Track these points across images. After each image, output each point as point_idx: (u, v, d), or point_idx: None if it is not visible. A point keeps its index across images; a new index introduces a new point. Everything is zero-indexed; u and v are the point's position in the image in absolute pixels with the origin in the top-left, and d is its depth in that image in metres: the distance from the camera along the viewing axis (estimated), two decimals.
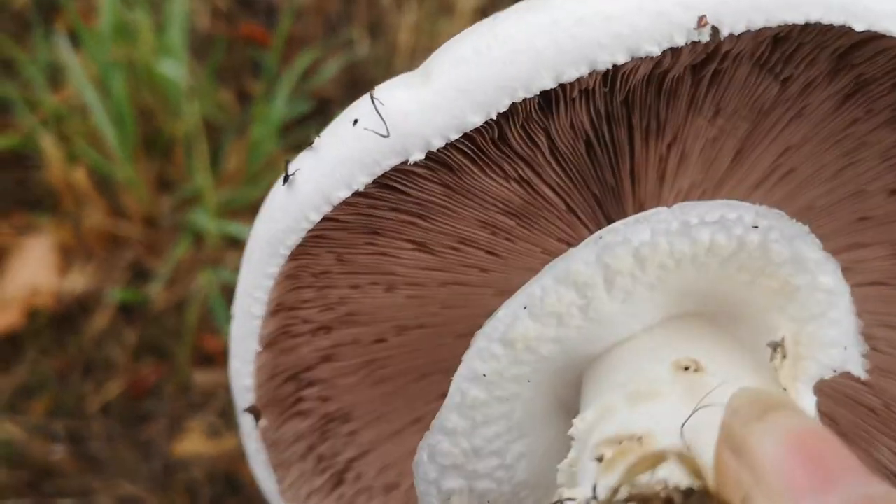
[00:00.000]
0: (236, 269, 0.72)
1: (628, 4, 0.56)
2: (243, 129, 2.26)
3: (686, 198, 0.74)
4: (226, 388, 1.99)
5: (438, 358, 0.80)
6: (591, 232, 0.75)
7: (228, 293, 1.89)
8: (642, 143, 0.69)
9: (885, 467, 0.80)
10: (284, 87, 2.21)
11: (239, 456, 1.86)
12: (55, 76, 2.26)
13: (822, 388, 0.81)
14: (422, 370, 0.81)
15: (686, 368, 0.51)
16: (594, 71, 0.57)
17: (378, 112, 0.60)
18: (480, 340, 0.56)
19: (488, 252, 0.75)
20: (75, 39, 2.18)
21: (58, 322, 2.11)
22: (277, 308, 0.73)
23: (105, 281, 2.13)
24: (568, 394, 0.64)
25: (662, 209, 0.54)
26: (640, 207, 0.73)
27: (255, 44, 2.46)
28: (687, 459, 0.40)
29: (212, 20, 2.49)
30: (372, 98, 0.61)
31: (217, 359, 2.06)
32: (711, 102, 0.67)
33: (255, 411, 0.75)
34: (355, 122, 0.62)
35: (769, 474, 0.39)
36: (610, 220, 0.74)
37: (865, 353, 0.52)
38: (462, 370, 0.57)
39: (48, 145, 2.10)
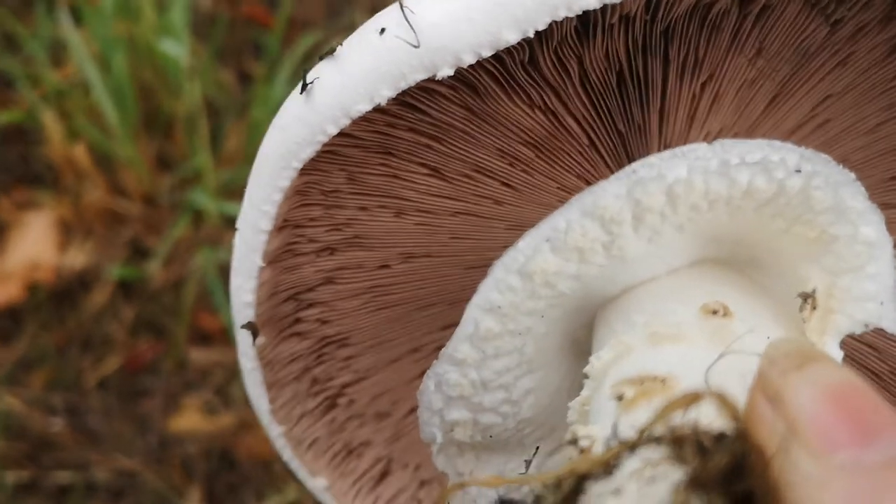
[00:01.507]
0: None
1: None
2: (243, 110, 2.23)
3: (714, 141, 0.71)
4: (223, 367, 2.01)
5: (444, 289, 0.78)
6: (612, 171, 0.72)
7: (226, 273, 1.89)
8: (676, 79, 0.66)
9: None
10: (286, 69, 2.18)
11: (235, 433, 1.88)
12: (57, 52, 2.23)
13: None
14: (425, 300, 0.79)
15: (714, 312, 0.49)
16: None
17: (408, 21, 0.56)
18: (498, 271, 0.54)
19: (504, 183, 0.72)
20: (77, 15, 2.15)
21: (57, 297, 2.12)
22: (284, 224, 0.70)
23: (104, 257, 2.13)
24: (581, 333, 0.62)
25: (701, 145, 0.51)
26: (666, 149, 0.70)
27: (257, 25, 2.41)
28: (726, 402, 0.38)
29: (214, 0, 2.43)
30: (402, 6, 0.57)
31: (214, 337, 2.06)
32: (755, 40, 0.64)
33: (253, 328, 0.73)
34: (382, 30, 0.58)
35: (807, 426, 0.38)
36: (631, 159, 0.71)
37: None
38: (477, 299, 0.54)
39: (49, 121, 2.08)
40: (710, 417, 0.38)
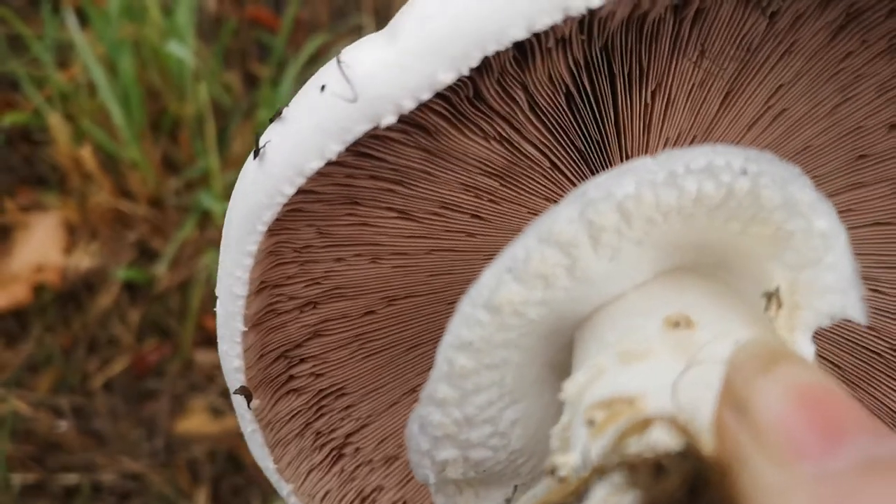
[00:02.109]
0: None
1: None
2: (250, 112, 2.24)
3: (674, 146, 0.71)
4: None
5: (430, 327, 0.79)
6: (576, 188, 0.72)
7: None
8: (625, 91, 0.66)
9: (889, 408, 0.78)
10: (292, 71, 2.19)
11: (240, 436, 1.87)
12: (63, 54, 2.24)
13: (825, 334, 0.79)
14: (414, 340, 0.79)
15: (677, 324, 0.49)
16: (568, 17, 0.54)
17: (345, 76, 0.57)
18: (465, 307, 0.54)
19: (473, 216, 0.73)
20: (83, 17, 2.16)
21: (63, 299, 2.12)
22: (261, 286, 0.71)
23: (110, 259, 2.14)
24: (560, 356, 0.62)
25: (647, 159, 0.51)
26: (628, 160, 0.71)
27: (263, 27, 2.44)
28: (676, 423, 0.38)
29: (219, 2, 2.46)
30: (338, 62, 0.58)
31: None
32: (696, 43, 0.64)
33: (246, 392, 0.74)
34: (322, 87, 0.59)
35: (771, 432, 0.37)
36: (595, 175, 0.71)
37: (864, 296, 0.50)
38: (448, 339, 0.55)
39: (55, 123, 2.10)
40: (665, 438, 0.38)
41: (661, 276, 0.57)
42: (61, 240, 2.16)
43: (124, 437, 2.00)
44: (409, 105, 0.57)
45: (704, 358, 0.46)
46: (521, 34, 0.54)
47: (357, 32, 2.34)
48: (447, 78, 0.56)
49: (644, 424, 0.38)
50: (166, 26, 2.12)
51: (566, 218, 0.52)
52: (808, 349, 0.49)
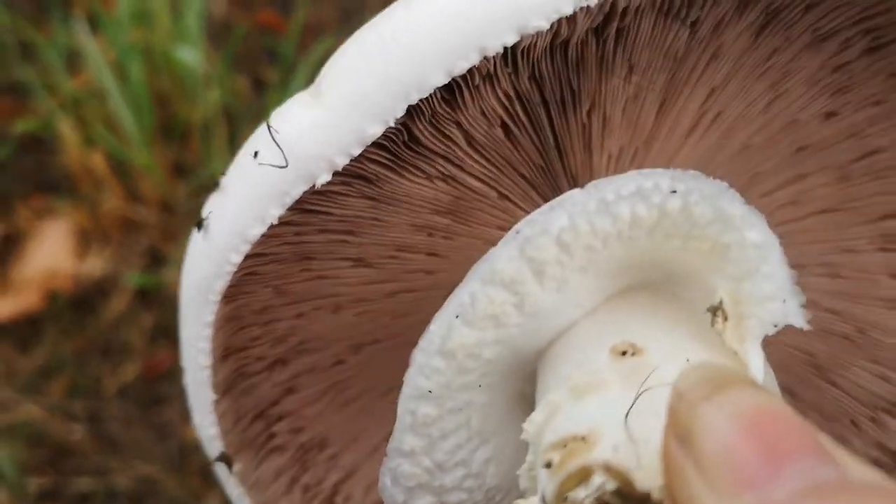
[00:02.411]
0: None
1: None
2: (259, 117, 2.23)
3: (618, 161, 0.71)
4: None
5: (402, 369, 0.78)
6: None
7: None
8: (560, 115, 0.67)
9: (864, 388, 0.78)
10: (301, 75, 2.19)
11: None
12: (73, 61, 2.24)
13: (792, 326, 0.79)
14: (387, 384, 0.79)
15: (623, 353, 0.49)
16: (486, 57, 0.55)
17: (275, 141, 0.57)
18: (419, 357, 0.54)
19: (429, 254, 0.73)
20: (94, 24, 2.16)
21: (76, 305, 2.13)
22: (226, 352, 0.71)
23: (122, 265, 2.15)
24: (528, 387, 0.62)
25: (576, 191, 0.52)
26: (574, 181, 0.71)
27: (271, 31, 2.43)
28: (613, 470, 0.38)
29: (228, 6, 2.46)
30: (268, 126, 0.59)
31: None
32: (622, 60, 0.65)
33: (226, 459, 0.74)
34: (255, 154, 0.59)
35: (714, 462, 0.37)
36: (545, 199, 0.71)
37: (804, 303, 0.50)
38: (406, 390, 0.55)
39: (66, 129, 2.10)
40: (606, 482, 0.38)
41: (611, 300, 0.57)
42: (73, 246, 2.17)
43: (138, 441, 2.00)
44: (341, 161, 0.57)
45: (654, 383, 0.46)
46: (441, 80, 0.55)
47: None
48: (375, 131, 0.56)
49: (585, 474, 0.38)
50: (175, 31, 2.12)
51: (506, 257, 0.52)
52: (757, 359, 0.49)
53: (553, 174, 0.71)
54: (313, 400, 0.78)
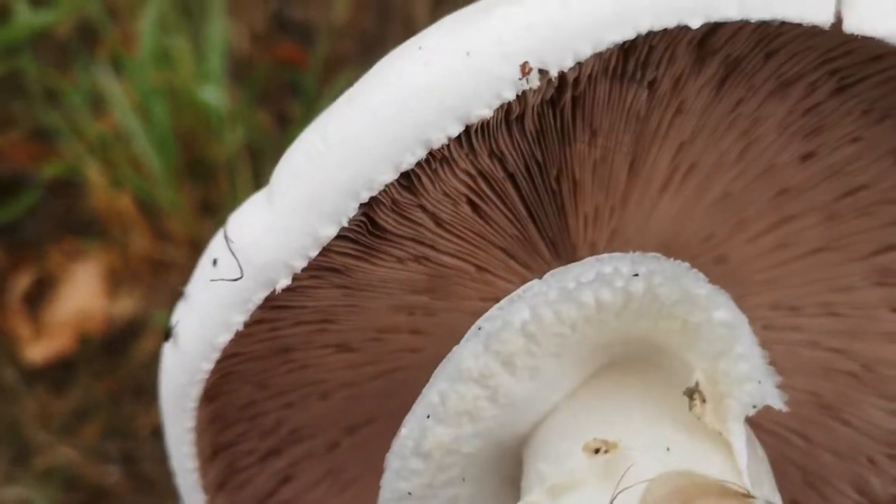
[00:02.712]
0: None
1: (442, 71, 0.52)
2: (283, 153, 2.24)
3: (595, 221, 0.70)
4: None
5: None
6: (512, 284, 0.71)
7: None
8: (528, 185, 0.65)
9: (877, 425, 0.75)
10: (323, 109, 2.19)
11: None
12: (98, 104, 2.27)
13: (798, 367, 0.77)
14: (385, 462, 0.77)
15: (597, 451, 0.47)
16: (432, 148, 0.54)
17: (231, 251, 0.57)
18: (394, 461, 0.53)
19: (413, 332, 0.72)
20: (117, 67, 2.19)
21: (108, 346, 2.15)
22: (214, 451, 0.70)
23: (152, 305, 2.16)
24: (514, 471, 0.60)
25: (535, 282, 0.50)
26: (554, 245, 0.69)
27: (293, 66, 2.44)
28: None
29: (250, 43, 2.48)
30: (225, 236, 0.58)
31: None
32: (584, 126, 0.63)
33: None
34: (214, 262, 0.59)
35: None
36: (527, 267, 0.70)
37: (780, 384, 0.48)
38: (385, 493, 0.53)
39: (93, 172, 2.13)
40: None
41: (591, 381, 0.55)
42: (104, 287, 2.19)
43: (173, 481, 2.00)
44: (300, 264, 0.56)
45: (631, 481, 0.44)
46: (390, 176, 0.54)
47: None
48: (329, 232, 0.55)
49: None
50: (198, 71, 2.14)
51: (471, 354, 0.51)
52: (740, 440, 0.47)
53: (530, 241, 0.69)
54: (312, 486, 0.77)
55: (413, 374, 0.75)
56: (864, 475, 0.80)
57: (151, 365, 2.10)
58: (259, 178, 2.17)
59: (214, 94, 2.08)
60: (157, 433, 2.05)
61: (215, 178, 2.20)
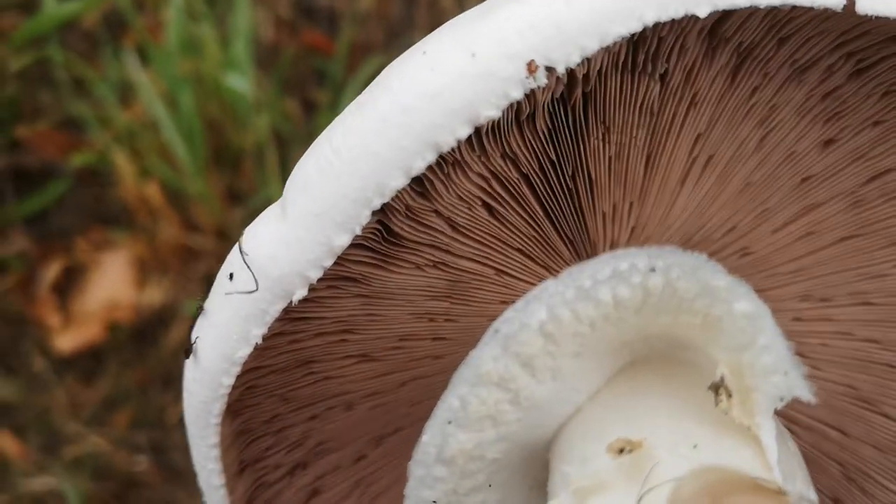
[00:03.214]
0: None
1: (448, 74, 0.52)
2: (310, 140, 2.24)
3: (614, 219, 0.69)
4: None
5: None
6: (533, 285, 0.70)
7: None
8: (544, 185, 0.64)
9: None
10: (349, 96, 2.19)
11: None
12: (125, 93, 2.30)
13: (831, 359, 0.75)
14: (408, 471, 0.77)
15: (621, 450, 0.46)
16: (443, 152, 0.53)
17: (246, 264, 0.56)
18: (417, 469, 0.52)
19: (435, 339, 0.71)
20: (144, 56, 2.21)
21: (137, 335, 2.16)
22: (241, 467, 0.70)
23: (181, 293, 2.17)
24: (542, 475, 0.59)
25: (550, 282, 0.49)
26: (573, 245, 0.69)
27: (319, 52, 2.45)
28: None
29: (275, 30, 2.48)
30: (240, 249, 0.58)
31: None
32: (597, 122, 0.62)
33: None
34: (231, 276, 0.58)
35: None
36: (547, 268, 0.69)
37: (809, 375, 0.47)
38: (409, 503, 0.53)
39: (121, 162, 2.14)
40: None
41: (614, 380, 0.54)
42: (133, 277, 2.21)
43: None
44: (315, 274, 0.56)
45: (657, 480, 0.43)
46: (402, 182, 0.54)
47: None
48: (343, 241, 0.55)
49: None
50: (224, 59, 2.15)
51: (490, 357, 0.50)
52: (769, 435, 0.46)
53: (549, 242, 0.68)
54: (341, 498, 0.77)
55: (438, 380, 0.74)
56: None
57: (180, 353, 2.11)
58: (286, 166, 2.17)
59: (241, 82, 2.08)
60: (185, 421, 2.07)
61: (242, 166, 2.20)
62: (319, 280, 0.58)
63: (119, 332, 2.14)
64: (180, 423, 1.97)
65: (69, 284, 2.25)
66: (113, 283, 2.20)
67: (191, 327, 0.64)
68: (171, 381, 2.11)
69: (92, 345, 2.15)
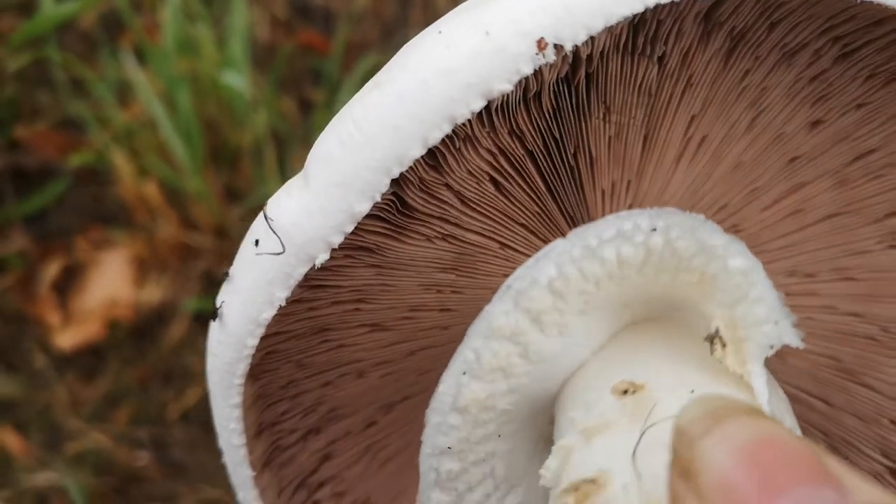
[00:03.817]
0: None
1: (463, 51, 0.56)
2: (306, 138, 2.26)
3: (612, 195, 0.73)
4: None
5: None
6: None
7: None
8: (546, 162, 0.68)
9: None
10: (346, 94, 2.22)
11: None
12: (123, 93, 2.31)
13: (816, 332, 0.79)
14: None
15: (625, 392, 0.50)
16: (458, 123, 0.57)
17: (272, 229, 0.60)
18: (434, 416, 0.56)
19: (442, 310, 0.75)
20: (141, 56, 2.22)
21: (137, 333, 2.18)
22: (259, 429, 0.73)
23: (180, 291, 2.19)
24: (549, 430, 0.63)
25: (558, 241, 0.53)
26: (573, 220, 0.73)
27: (315, 51, 2.47)
28: None
29: (271, 30, 2.51)
30: (265, 215, 0.62)
31: None
32: (597, 103, 0.66)
33: None
34: (256, 242, 0.62)
35: (713, 496, 0.38)
36: (548, 242, 0.73)
37: (796, 322, 0.51)
38: (426, 449, 0.56)
39: (120, 161, 2.15)
40: None
41: (616, 337, 0.58)
42: (132, 275, 2.22)
43: (203, 465, 2.03)
44: (337, 240, 0.60)
45: (658, 417, 0.47)
46: (419, 151, 0.57)
47: None
48: (363, 207, 0.59)
49: None
50: (221, 58, 2.17)
51: (502, 311, 0.54)
52: (760, 379, 0.50)
53: (551, 217, 0.73)
54: (352, 463, 0.80)
55: (445, 350, 0.78)
56: (889, 438, 0.82)
57: (180, 351, 2.14)
58: (283, 164, 2.20)
59: (238, 81, 2.11)
60: (186, 418, 2.09)
61: (240, 165, 2.22)
62: (337, 249, 0.62)
63: (119, 329, 2.16)
64: (181, 419, 1.97)
65: (69, 283, 2.27)
66: (112, 282, 2.22)
67: (214, 298, 0.67)
68: (172, 378, 2.14)
69: (92, 342, 2.17)
